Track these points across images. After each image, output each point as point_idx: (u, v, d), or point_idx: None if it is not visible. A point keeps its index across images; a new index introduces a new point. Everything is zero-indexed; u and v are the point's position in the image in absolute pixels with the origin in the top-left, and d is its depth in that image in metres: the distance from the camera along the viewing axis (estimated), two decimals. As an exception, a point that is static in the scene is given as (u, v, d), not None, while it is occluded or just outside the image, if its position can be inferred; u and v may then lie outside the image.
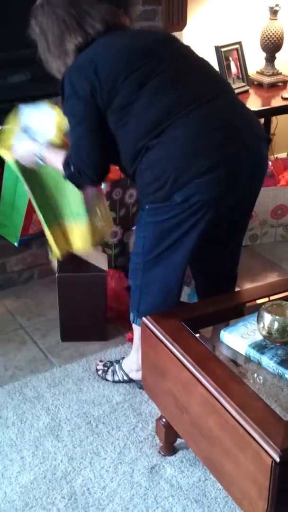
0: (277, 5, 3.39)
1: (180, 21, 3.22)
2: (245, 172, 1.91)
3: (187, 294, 2.69)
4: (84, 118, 1.93)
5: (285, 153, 3.81)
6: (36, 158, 2.18)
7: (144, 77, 1.88)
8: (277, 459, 1.39)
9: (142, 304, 2.01)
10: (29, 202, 2.66)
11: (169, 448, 2.05)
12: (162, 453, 2.06)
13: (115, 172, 2.75)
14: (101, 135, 1.95)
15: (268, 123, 3.74)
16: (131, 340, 2.56)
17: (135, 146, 1.90)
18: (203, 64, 2.02)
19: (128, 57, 1.91)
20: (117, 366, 2.36)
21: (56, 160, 2.11)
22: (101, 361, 2.43)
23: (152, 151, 1.87)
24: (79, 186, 2.11)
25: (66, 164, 2.04)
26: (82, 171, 2.00)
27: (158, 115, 1.86)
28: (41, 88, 2.88)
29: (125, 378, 2.33)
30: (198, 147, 1.84)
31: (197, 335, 1.82)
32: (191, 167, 1.83)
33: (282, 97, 3.40)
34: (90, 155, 1.97)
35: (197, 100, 1.88)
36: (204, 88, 1.93)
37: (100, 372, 2.39)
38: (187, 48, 2.05)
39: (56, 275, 2.52)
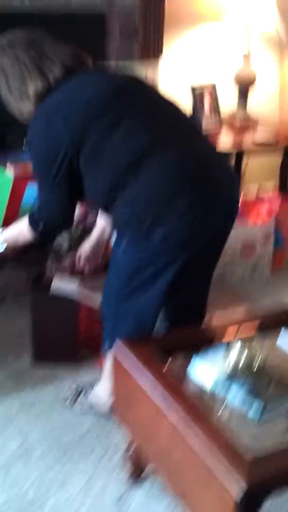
0: (249, 54, 3.48)
1: (158, 53, 3.26)
2: (221, 211, 1.95)
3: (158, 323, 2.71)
4: (51, 169, 1.95)
5: (254, 193, 3.87)
6: None
7: (113, 121, 1.89)
8: (240, 498, 1.41)
9: (115, 335, 2.04)
10: (3, 224, 2.67)
11: (139, 475, 2.07)
12: (132, 480, 2.07)
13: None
14: (70, 182, 1.97)
15: (239, 163, 3.79)
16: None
17: (109, 184, 1.92)
18: (174, 107, 2.04)
19: (95, 105, 1.91)
20: (87, 396, 2.37)
21: (18, 232, 2.17)
22: (72, 385, 2.44)
23: (128, 190, 1.90)
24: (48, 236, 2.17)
25: (33, 225, 2.08)
26: (53, 223, 2.06)
27: (132, 155, 1.88)
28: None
29: (94, 410, 2.33)
30: (174, 188, 1.87)
31: (167, 364, 1.84)
32: (168, 208, 1.86)
33: (253, 143, 3.46)
34: (61, 205, 2.02)
35: (169, 141, 1.91)
36: (178, 130, 1.96)
37: (70, 400, 2.40)
38: (153, 89, 2.08)
39: (29, 296, 2.54)
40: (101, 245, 2.49)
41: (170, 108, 2.04)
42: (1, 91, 2.03)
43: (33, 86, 1.97)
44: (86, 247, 2.49)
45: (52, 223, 2.08)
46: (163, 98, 2.06)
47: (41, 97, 1.97)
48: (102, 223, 2.42)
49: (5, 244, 2.23)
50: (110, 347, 2.07)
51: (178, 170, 1.88)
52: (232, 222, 2.06)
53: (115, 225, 2.02)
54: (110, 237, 2.43)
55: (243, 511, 1.44)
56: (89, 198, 2.05)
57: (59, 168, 1.94)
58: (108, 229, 2.41)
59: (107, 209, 2.01)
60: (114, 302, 2.07)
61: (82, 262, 2.50)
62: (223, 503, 1.47)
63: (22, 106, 2.01)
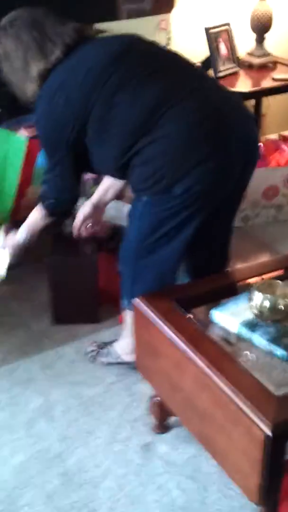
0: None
1: (169, 3, 3.22)
2: (239, 157, 1.92)
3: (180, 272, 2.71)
4: (57, 147, 1.98)
5: (276, 134, 3.82)
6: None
7: (116, 85, 1.87)
8: (269, 434, 1.41)
9: (135, 291, 2.02)
10: (19, 188, 2.67)
11: (163, 426, 2.08)
12: (156, 431, 2.08)
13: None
14: (75, 158, 2.00)
15: (258, 104, 3.74)
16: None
17: (123, 148, 1.91)
18: (177, 58, 2.02)
19: (94, 74, 1.89)
20: (110, 349, 2.37)
21: (34, 220, 2.27)
22: (93, 343, 2.45)
23: (145, 149, 1.88)
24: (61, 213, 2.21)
25: (45, 207, 2.16)
26: (62, 200, 2.12)
27: (143, 114, 1.86)
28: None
29: (118, 360, 2.35)
30: (191, 139, 1.85)
31: (189, 314, 1.84)
32: (187, 159, 1.84)
33: (272, 78, 3.41)
34: (67, 181, 2.06)
35: (181, 92, 1.88)
36: (185, 80, 1.93)
37: (93, 353, 2.40)
38: (157, 46, 2.06)
39: (46, 259, 2.53)
40: (102, 205, 2.48)
41: (173, 59, 2.01)
42: (4, 72, 2.05)
43: (36, 67, 1.98)
44: (86, 206, 2.47)
45: (62, 200, 2.13)
46: (165, 51, 2.05)
47: (44, 77, 1.98)
48: (106, 184, 2.40)
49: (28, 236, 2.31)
50: (130, 303, 2.06)
51: (192, 123, 1.85)
52: (253, 165, 2.03)
53: (134, 184, 2.00)
54: (112, 198, 2.44)
55: (272, 449, 1.44)
56: (99, 167, 2.05)
57: (65, 146, 1.97)
58: (111, 191, 2.40)
59: (121, 172, 2.00)
60: (133, 258, 2.06)
61: (82, 222, 2.48)
62: (251, 441, 1.47)
63: (26, 87, 2.02)
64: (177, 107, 1.86)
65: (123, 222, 2.38)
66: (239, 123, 1.94)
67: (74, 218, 2.75)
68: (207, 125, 1.86)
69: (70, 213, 2.28)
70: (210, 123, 1.87)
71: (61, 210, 2.20)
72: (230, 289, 1.95)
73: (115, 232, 2.90)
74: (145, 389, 2.23)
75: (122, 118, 1.88)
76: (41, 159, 2.61)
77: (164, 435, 2.08)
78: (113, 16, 3.13)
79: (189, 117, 1.86)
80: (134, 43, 2.03)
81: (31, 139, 2.60)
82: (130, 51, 1.96)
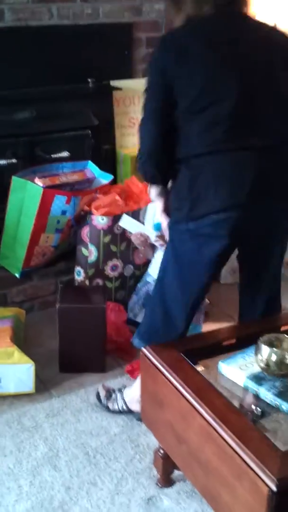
0: None
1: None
2: (256, 225, 1.98)
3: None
4: (151, 96, 1.92)
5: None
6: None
7: (219, 91, 1.83)
8: (274, 489, 1.41)
9: (141, 326, 2.04)
10: (32, 234, 2.72)
11: (167, 479, 2.06)
12: (159, 485, 2.07)
13: (117, 207, 2.83)
14: (163, 119, 1.92)
15: None
16: (129, 372, 2.59)
17: (180, 154, 1.92)
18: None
19: (205, 58, 1.83)
20: (118, 395, 2.38)
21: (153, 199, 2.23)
22: (104, 386, 2.45)
23: (183, 170, 1.92)
24: (146, 177, 2.11)
25: (141, 173, 2.08)
26: (148, 161, 1.99)
27: (204, 146, 1.86)
28: (45, 125, 2.98)
29: (125, 408, 2.35)
30: (220, 187, 1.87)
31: (196, 366, 1.85)
32: (207, 202, 1.89)
33: None
34: (153, 140, 1.95)
35: (251, 141, 1.86)
36: (269, 130, 1.89)
37: (102, 397, 2.40)
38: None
39: (57, 306, 2.56)
40: None
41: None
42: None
43: (189, 9, 1.92)
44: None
45: (143, 160, 2.00)
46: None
47: (186, 21, 1.95)
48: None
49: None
50: (137, 336, 2.13)
51: (232, 177, 1.87)
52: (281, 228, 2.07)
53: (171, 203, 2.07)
54: None
55: (277, 504, 1.43)
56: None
57: (155, 98, 1.91)
58: None
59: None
60: (157, 290, 2.13)
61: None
62: (256, 496, 1.46)
63: (175, 19, 1.98)
64: (232, 154, 1.86)
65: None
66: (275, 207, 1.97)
67: (84, 266, 2.80)
68: (243, 188, 1.87)
69: (161, 180, 2.13)
70: (246, 188, 1.87)
71: (144, 173, 2.07)
72: (238, 342, 1.97)
73: (124, 282, 2.95)
74: (149, 442, 2.23)
75: (195, 128, 1.86)
76: (55, 208, 2.68)
77: (167, 489, 2.06)
78: (128, 74, 3.25)
79: (234, 169, 1.87)
80: (275, 50, 1.91)
81: (46, 188, 2.67)
82: (252, 60, 1.86)
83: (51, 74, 3.03)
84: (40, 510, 1.99)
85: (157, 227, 2.52)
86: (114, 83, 3.19)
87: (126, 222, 2.75)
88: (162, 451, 2.00)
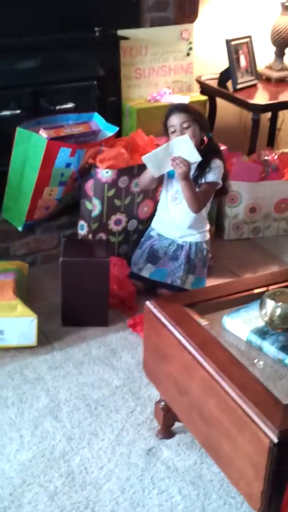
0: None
1: (192, 14, 3.24)
2: None
3: (190, 282, 2.72)
4: None
5: (290, 148, 3.85)
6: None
7: None
8: (275, 440, 1.42)
9: None
10: (35, 187, 2.69)
11: (167, 431, 2.08)
12: (160, 436, 2.08)
13: (122, 160, 2.78)
14: None
15: (274, 117, 3.76)
16: (132, 326, 2.59)
17: None
18: None
19: None
20: None
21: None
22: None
23: None
24: None
25: None
26: None
27: None
28: (50, 75, 2.91)
29: None
30: None
31: (200, 320, 1.84)
32: None
33: (290, 94, 3.43)
34: None
35: None
36: None
37: None
38: None
39: (60, 259, 2.54)
40: None
41: None
42: None
43: None
44: None
45: None
46: None
47: None
48: None
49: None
50: None
51: None
52: None
53: None
54: None
55: (277, 456, 1.44)
56: None
57: None
58: None
59: None
60: None
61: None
62: (257, 447, 1.47)
63: None
64: None
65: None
66: None
67: (87, 220, 2.78)
68: None
69: None
70: None
71: None
72: (241, 297, 1.96)
73: (127, 237, 2.92)
74: (151, 394, 2.24)
75: None
76: (60, 160, 2.64)
77: (168, 440, 2.08)
78: (136, 23, 3.16)
79: None
80: None
81: (50, 140, 2.63)
82: None
83: (56, 22, 2.93)
84: (42, 460, 2.01)
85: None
86: (121, 32, 3.10)
87: (149, 158, 2.59)
88: (163, 403, 2.01)
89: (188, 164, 2.53)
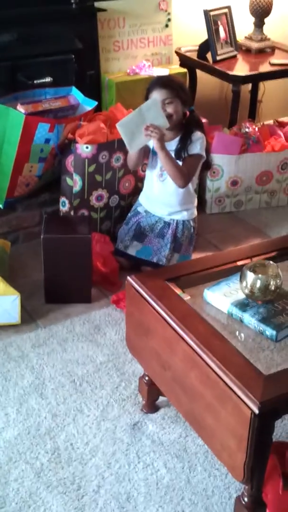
0: None
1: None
2: None
3: (175, 260, 2.71)
4: None
5: (271, 120, 3.82)
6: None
7: None
8: (256, 411, 1.42)
9: None
10: (15, 163, 2.65)
11: (151, 406, 2.09)
12: (144, 411, 2.09)
13: (101, 135, 2.75)
14: None
15: (255, 89, 3.73)
16: (115, 302, 2.58)
17: None
18: None
19: None
20: None
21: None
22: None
23: None
24: None
25: None
26: None
27: None
28: (27, 49, 2.86)
29: None
30: None
31: (182, 294, 1.84)
32: None
33: (269, 63, 3.40)
34: None
35: None
36: None
37: None
38: None
39: (41, 236, 2.52)
40: None
41: None
42: None
43: None
44: None
45: None
46: None
47: None
48: None
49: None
50: None
51: None
52: None
53: None
54: None
55: (258, 427, 1.45)
56: None
57: None
58: None
59: None
60: None
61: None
62: (239, 419, 1.48)
63: None
64: None
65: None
66: None
67: (68, 196, 2.75)
68: None
69: None
70: None
71: None
72: (222, 270, 1.95)
73: (109, 213, 2.90)
74: (135, 369, 2.24)
75: None
76: (38, 135, 2.60)
77: (152, 415, 2.09)
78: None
79: None
80: None
81: (28, 115, 2.59)
82: None
83: (32, -5, 2.88)
84: (27, 437, 2.01)
85: None
86: (98, 4, 3.05)
87: (123, 125, 2.52)
88: (147, 378, 2.02)
89: (160, 131, 2.50)
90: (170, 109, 2.56)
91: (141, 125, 2.49)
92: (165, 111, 2.54)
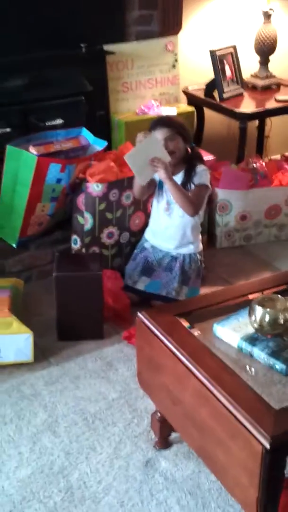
0: (271, 9, 3.46)
1: (176, 26, 3.27)
2: None
3: (184, 294, 2.73)
4: None
5: (279, 155, 3.86)
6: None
7: None
8: (268, 446, 1.42)
9: None
10: (28, 203, 2.71)
11: (164, 442, 2.08)
12: (157, 447, 2.09)
13: (112, 173, 2.80)
14: None
15: (262, 125, 3.79)
16: (127, 338, 2.60)
17: None
18: None
19: None
20: None
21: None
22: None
23: None
24: None
25: None
26: None
27: None
28: (38, 92, 2.94)
29: None
30: None
31: (191, 329, 1.85)
32: None
33: (275, 99, 3.46)
34: None
35: None
36: None
37: None
38: None
39: (54, 274, 2.56)
40: None
41: None
42: None
43: None
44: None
45: None
46: None
47: None
48: None
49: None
50: None
51: None
52: None
53: None
54: None
55: (270, 462, 1.44)
56: None
57: None
58: None
59: None
60: None
61: None
62: (250, 454, 1.47)
63: None
64: None
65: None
66: None
67: (80, 234, 2.79)
68: None
69: None
70: None
71: None
72: (231, 305, 1.97)
73: (120, 250, 2.94)
74: (147, 406, 2.24)
75: None
76: (50, 176, 2.66)
77: (165, 451, 2.08)
78: (122, 37, 3.19)
79: None
80: None
81: (40, 156, 2.65)
82: None
83: (42, 40, 2.97)
84: (41, 476, 2.01)
85: None
86: (107, 47, 3.13)
87: (131, 157, 2.58)
88: (159, 414, 2.01)
89: (165, 162, 2.56)
90: (172, 146, 2.63)
91: (147, 159, 2.56)
92: (167, 148, 2.61)
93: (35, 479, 2.00)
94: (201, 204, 2.70)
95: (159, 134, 2.63)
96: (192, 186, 2.67)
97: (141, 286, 2.77)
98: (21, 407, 2.29)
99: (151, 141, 2.57)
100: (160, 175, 2.59)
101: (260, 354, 1.70)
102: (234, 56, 3.49)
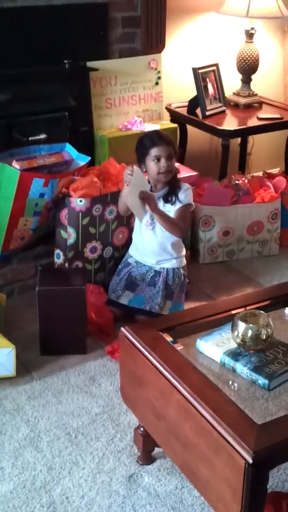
0: (252, 29, 3.52)
1: (159, 44, 3.32)
2: None
3: (168, 308, 2.74)
4: None
5: (261, 172, 3.92)
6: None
7: None
8: (250, 461, 1.43)
9: None
10: (10, 218, 2.71)
11: (147, 457, 2.08)
12: (140, 462, 2.09)
13: (95, 188, 2.82)
14: None
15: (244, 142, 3.84)
16: (110, 353, 2.60)
17: None
18: None
19: None
20: None
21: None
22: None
23: None
24: None
25: None
26: None
27: None
28: (22, 107, 2.95)
29: None
30: None
31: (175, 344, 1.87)
32: None
33: (257, 117, 3.51)
34: None
35: None
36: None
37: None
38: None
39: (36, 289, 2.56)
40: None
41: None
42: None
43: None
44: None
45: None
46: None
47: None
48: None
49: None
50: None
51: None
52: None
53: None
54: None
55: (253, 476, 1.46)
56: None
57: None
58: None
59: None
60: None
61: None
62: (233, 469, 1.49)
63: None
64: None
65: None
66: None
67: (63, 248, 2.80)
68: None
69: None
70: None
71: None
72: (214, 320, 1.99)
73: (103, 264, 2.95)
74: (130, 420, 2.24)
75: None
76: (33, 190, 2.67)
77: (148, 466, 2.08)
78: (105, 55, 3.23)
79: None
80: None
81: (23, 171, 2.66)
82: None
83: (26, 56, 2.99)
84: (23, 491, 2.00)
85: None
86: (90, 64, 3.16)
87: (138, 175, 2.62)
88: (142, 429, 2.02)
89: (150, 195, 2.62)
90: (172, 166, 2.68)
91: (137, 195, 2.60)
92: (168, 167, 2.66)
93: (17, 494, 1.99)
94: (187, 224, 2.81)
95: (160, 152, 2.66)
96: (177, 202, 2.71)
97: (124, 300, 2.78)
98: (3, 421, 2.28)
99: (136, 175, 2.60)
100: (150, 208, 2.64)
101: (242, 369, 1.72)
102: (216, 74, 3.54)
